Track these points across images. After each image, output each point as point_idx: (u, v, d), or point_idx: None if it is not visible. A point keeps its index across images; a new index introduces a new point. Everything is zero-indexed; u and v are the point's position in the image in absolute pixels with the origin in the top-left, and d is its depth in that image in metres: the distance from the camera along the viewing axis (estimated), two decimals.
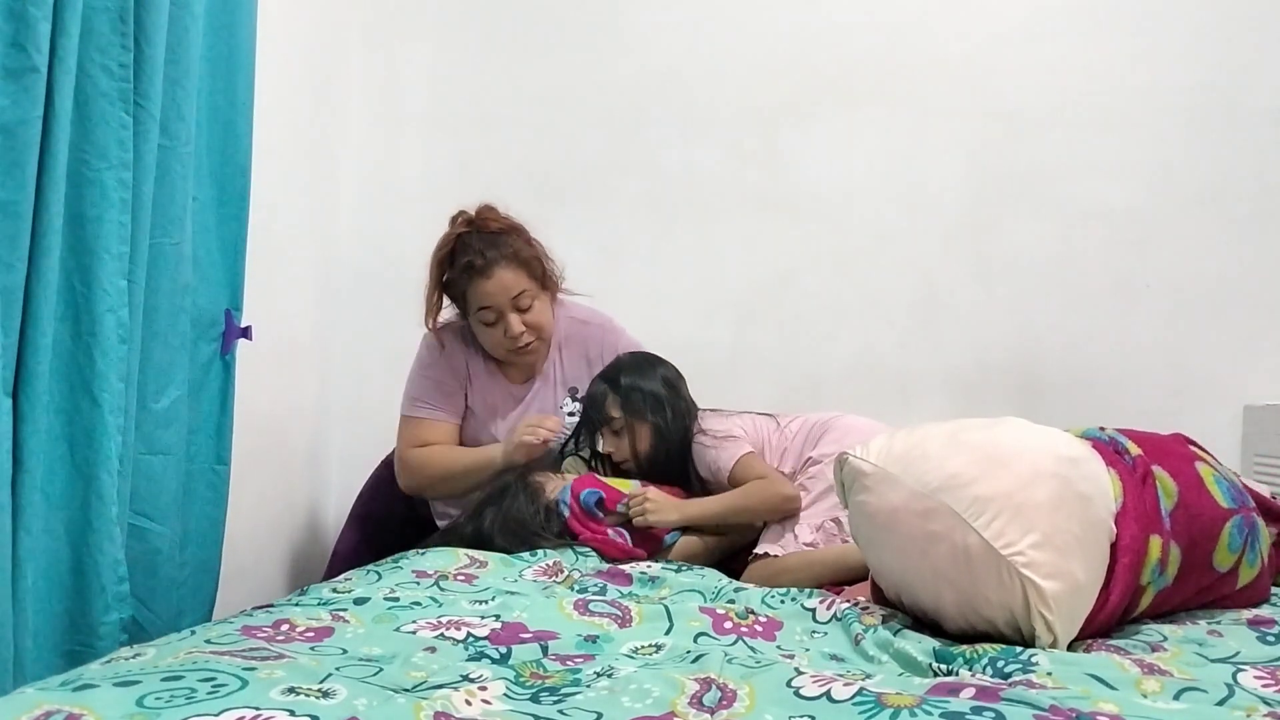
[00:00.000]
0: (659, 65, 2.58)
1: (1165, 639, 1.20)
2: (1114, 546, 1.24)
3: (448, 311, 1.99)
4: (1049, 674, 1.00)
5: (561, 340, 2.03)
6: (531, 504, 1.74)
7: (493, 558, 1.58)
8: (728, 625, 1.25)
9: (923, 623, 1.27)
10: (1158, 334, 2.38)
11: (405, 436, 2.00)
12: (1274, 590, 1.47)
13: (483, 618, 1.20)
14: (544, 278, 1.95)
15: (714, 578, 1.57)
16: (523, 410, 2.00)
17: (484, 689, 0.92)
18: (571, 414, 2.02)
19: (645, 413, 1.87)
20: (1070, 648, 1.17)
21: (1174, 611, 1.35)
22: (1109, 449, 1.36)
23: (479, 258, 1.86)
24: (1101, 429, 1.48)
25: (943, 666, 1.09)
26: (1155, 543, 1.26)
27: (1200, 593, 1.34)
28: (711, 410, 1.97)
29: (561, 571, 1.53)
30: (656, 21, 2.59)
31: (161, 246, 1.47)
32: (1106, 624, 1.24)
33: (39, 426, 1.25)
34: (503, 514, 1.72)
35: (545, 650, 1.10)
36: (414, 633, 1.14)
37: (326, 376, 2.56)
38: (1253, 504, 1.40)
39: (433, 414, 1.98)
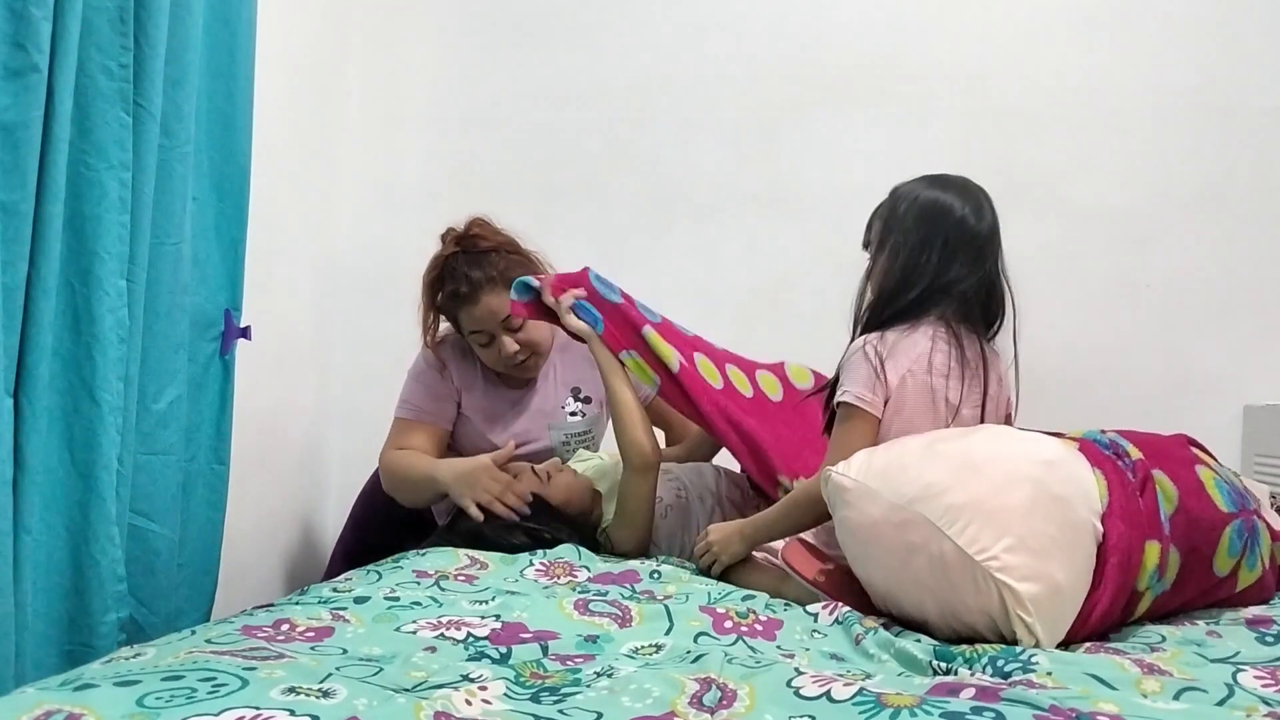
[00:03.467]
0: (659, 65, 2.58)
1: (1164, 639, 1.20)
2: (1102, 546, 1.24)
3: (446, 322, 1.99)
4: (1049, 674, 1.00)
5: (564, 342, 2.01)
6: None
7: (493, 558, 1.58)
8: (728, 625, 1.25)
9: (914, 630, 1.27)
10: (1158, 334, 2.38)
11: (390, 436, 2.02)
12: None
13: (483, 618, 1.20)
14: None
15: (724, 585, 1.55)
16: (521, 413, 1.99)
17: (484, 689, 0.92)
18: (574, 414, 2.02)
19: (888, 228, 1.55)
20: (1069, 649, 1.17)
21: (1173, 614, 1.35)
22: (1099, 451, 1.35)
23: (464, 284, 1.85)
24: (1103, 431, 1.48)
25: (943, 665, 1.09)
26: (1153, 549, 1.25)
27: (1200, 596, 1.34)
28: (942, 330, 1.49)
29: (567, 571, 1.53)
30: (656, 21, 2.59)
31: (161, 247, 1.47)
32: (1101, 626, 1.24)
33: (39, 426, 1.25)
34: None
35: (545, 650, 1.10)
36: (414, 632, 1.14)
37: (326, 376, 2.56)
38: (1254, 506, 1.40)
39: (418, 416, 1.98)
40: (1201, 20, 2.39)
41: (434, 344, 1.96)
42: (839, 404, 1.50)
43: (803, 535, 1.54)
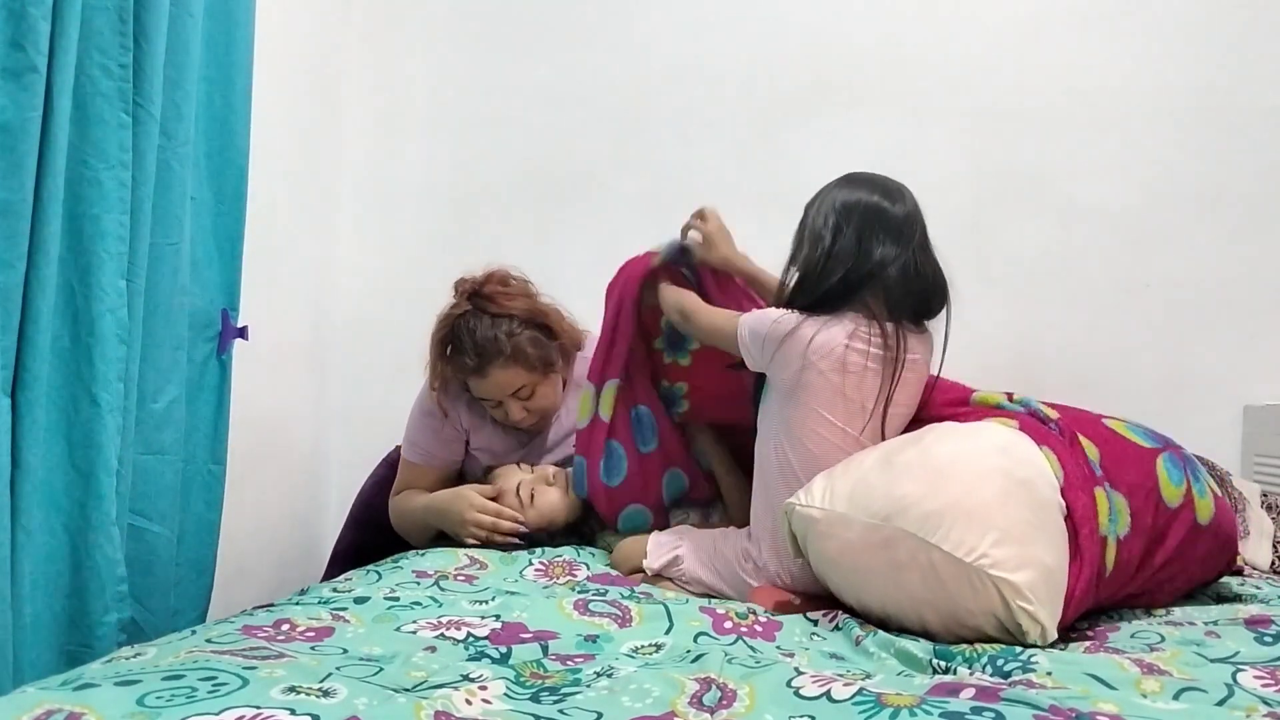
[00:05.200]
0: (659, 65, 2.58)
1: (1164, 639, 1.20)
2: (1070, 519, 1.26)
3: None
4: (1049, 674, 1.00)
5: (575, 383, 1.96)
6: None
7: (493, 558, 1.58)
8: (728, 625, 1.25)
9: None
10: (1158, 334, 2.38)
11: (398, 477, 2.00)
12: (1265, 581, 1.48)
13: (483, 618, 1.20)
14: (547, 364, 1.85)
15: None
16: (531, 455, 1.96)
17: (484, 689, 0.92)
18: None
19: (803, 228, 1.58)
20: (1068, 647, 1.17)
21: (1164, 568, 1.35)
22: (1032, 421, 1.39)
23: (472, 357, 1.78)
24: (1009, 395, 1.50)
25: (943, 665, 1.09)
26: (1100, 494, 1.29)
27: (1170, 536, 1.34)
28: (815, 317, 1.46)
29: (567, 571, 1.53)
30: (657, 21, 2.59)
31: (160, 247, 1.47)
32: (1086, 597, 1.25)
33: (38, 426, 1.24)
34: None
35: (545, 650, 1.10)
36: (414, 632, 1.14)
37: (326, 377, 2.56)
38: (1179, 444, 1.42)
39: (426, 460, 1.95)
40: (1202, 20, 2.39)
41: (440, 390, 1.89)
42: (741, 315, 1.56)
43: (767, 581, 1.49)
